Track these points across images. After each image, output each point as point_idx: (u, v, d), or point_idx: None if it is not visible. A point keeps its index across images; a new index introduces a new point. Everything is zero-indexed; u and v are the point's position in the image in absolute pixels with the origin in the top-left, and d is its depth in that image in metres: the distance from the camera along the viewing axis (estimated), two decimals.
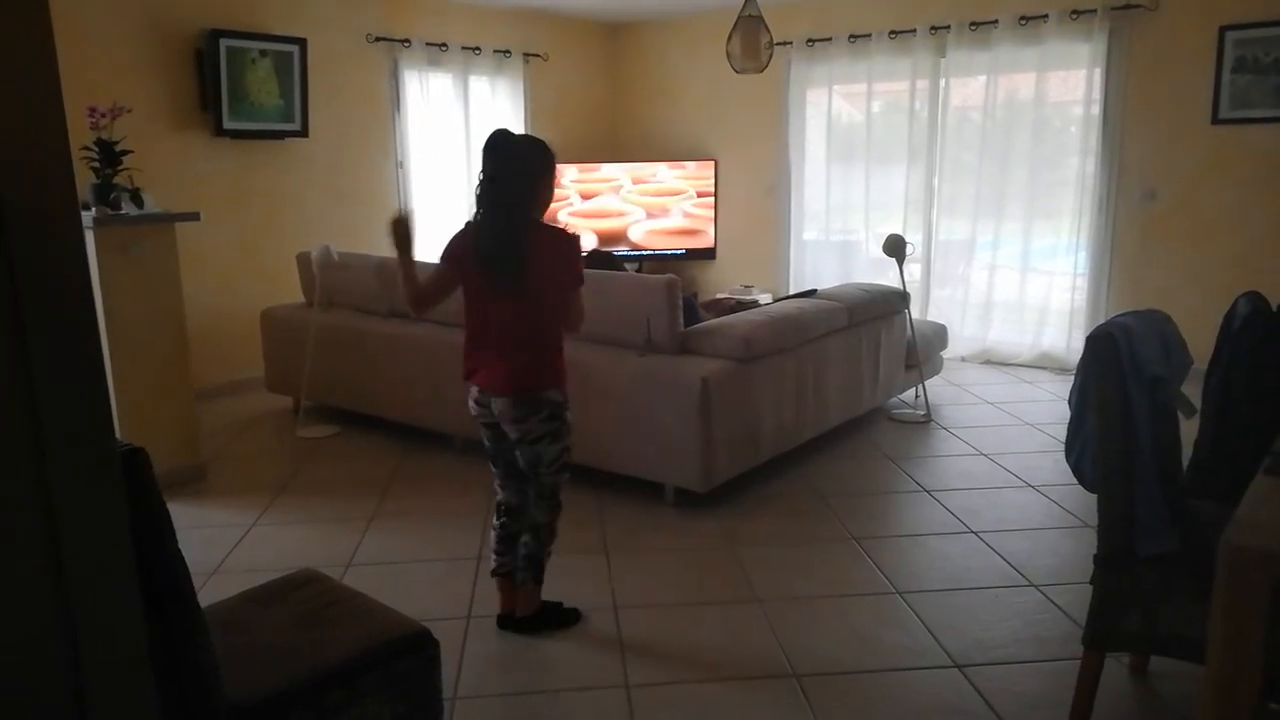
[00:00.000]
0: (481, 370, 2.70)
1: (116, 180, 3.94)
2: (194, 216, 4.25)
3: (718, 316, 4.39)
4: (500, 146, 2.60)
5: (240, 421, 5.29)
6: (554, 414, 2.69)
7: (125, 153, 3.96)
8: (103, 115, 3.92)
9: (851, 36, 6.81)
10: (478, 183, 2.63)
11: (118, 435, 2.45)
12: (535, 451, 2.70)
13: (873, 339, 4.79)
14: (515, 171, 2.58)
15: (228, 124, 5.51)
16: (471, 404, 2.77)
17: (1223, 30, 5.45)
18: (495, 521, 2.92)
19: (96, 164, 3.89)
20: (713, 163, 7.68)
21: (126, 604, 1.11)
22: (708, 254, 7.81)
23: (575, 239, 2.73)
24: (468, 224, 2.72)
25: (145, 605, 1.48)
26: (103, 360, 1.03)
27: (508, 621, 2.90)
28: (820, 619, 2.96)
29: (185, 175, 5.41)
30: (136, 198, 3.96)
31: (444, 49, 6.77)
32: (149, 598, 1.49)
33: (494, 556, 2.91)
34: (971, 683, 2.57)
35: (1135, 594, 2.22)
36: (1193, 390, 2.37)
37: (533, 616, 2.86)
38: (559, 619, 2.90)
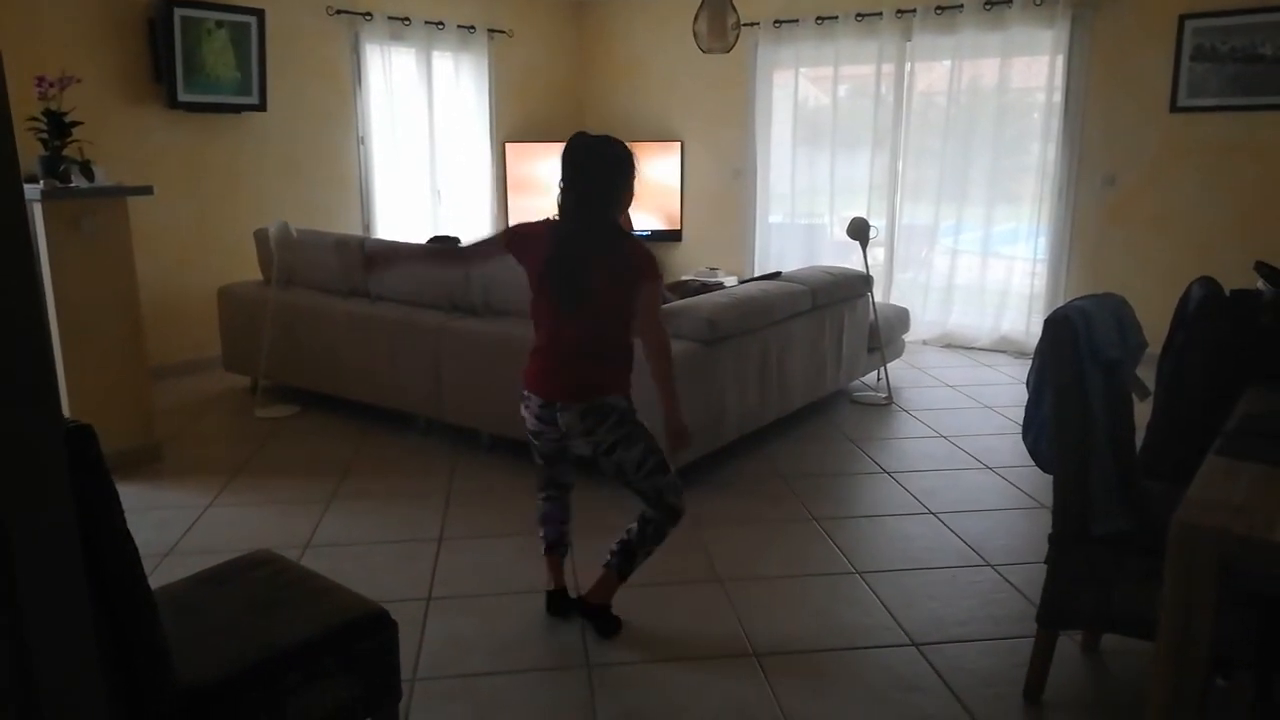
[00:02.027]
0: (544, 378, 2.60)
1: (66, 152, 3.82)
2: (147, 190, 4.15)
3: (683, 298, 4.39)
4: (579, 154, 2.52)
5: (197, 401, 5.19)
6: (621, 419, 2.56)
7: (75, 124, 3.84)
8: (51, 85, 3.80)
9: (818, 18, 6.80)
10: (559, 191, 2.55)
11: (67, 414, 2.39)
12: (614, 462, 2.58)
13: (836, 322, 4.82)
14: (595, 181, 2.51)
15: (182, 96, 5.38)
16: (531, 419, 2.65)
17: (1182, 19, 5.53)
18: (551, 493, 2.81)
19: (44, 135, 3.77)
20: (679, 144, 7.65)
21: (72, 585, 1.08)
22: (674, 236, 7.80)
23: (646, 249, 2.59)
24: (548, 222, 2.61)
25: (93, 587, 1.45)
26: (49, 336, 1.00)
27: (559, 601, 2.81)
28: (780, 599, 2.98)
29: (138, 148, 5.28)
30: (87, 170, 3.85)
31: (407, 23, 6.66)
32: (97, 579, 1.46)
33: (549, 527, 2.81)
34: (928, 660, 2.61)
35: (1089, 573, 2.26)
36: (1146, 373, 2.41)
37: (601, 608, 2.72)
38: (611, 625, 2.75)
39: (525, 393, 2.65)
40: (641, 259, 2.54)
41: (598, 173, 2.52)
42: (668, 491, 2.63)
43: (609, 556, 2.71)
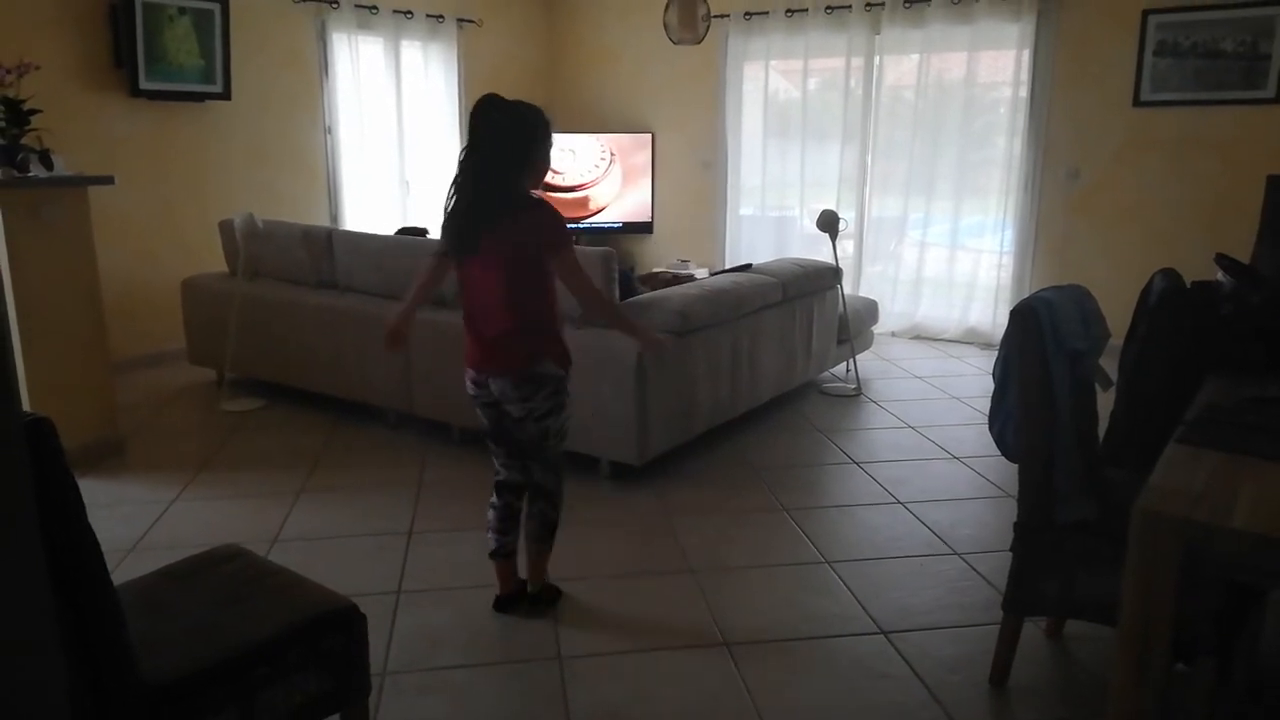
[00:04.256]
0: (476, 350, 2.61)
1: (24, 141, 3.74)
2: (108, 180, 4.07)
3: (654, 290, 4.38)
4: (482, 113, 2.46)
5: (161, 395, 5.12)
6: (557, 389, 2.60)
7: (33, 112, 3.76)
8: (8, 72, 3.72)
9: (788, 11, 6.82)
10: (461, 154, 2.50)
11: (26, 408, 2.35)
12: (542, 427, 2.62)
13: (806, 313, 4.84)
14: (498, 140, 2.45)
15: (144, 84, 5.28)
16: (469, 384, 2.68)
17: (1145, 14, 5.61)
18: (497, 501, 2.81)
19: (2, 124, 3.69)
20: (650, 136, 7.64)
21: (33, 581, 1.06)
22: (645, 228, 7.79)
23: (552, 207, 2.59)
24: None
25: (54, 583, 1.43)
26: (7, 328, 0.98)
27: (507, 604, 2.83)
28: (751, 588, 2.99)
29: (99, 137, 5.18)
30: (46, 159, 3.77)
31: (374, 12, 6.58)
32: (58, 575, 1.44)
33: (494, 537, 2.80)
34: (896, 648, 2.63)
35: (1053, 560, 2.30)
36: (1109, 363, 2.45)
37: (548, 587, 2.87)
38: (553, 594, 2.90)
39: (466, 367, 2.68)
40: (549, 227, 2.50)
41: (502, 133, 2.46)
42: (562, 457, 2.77)
43: (538, 548, 2.80)
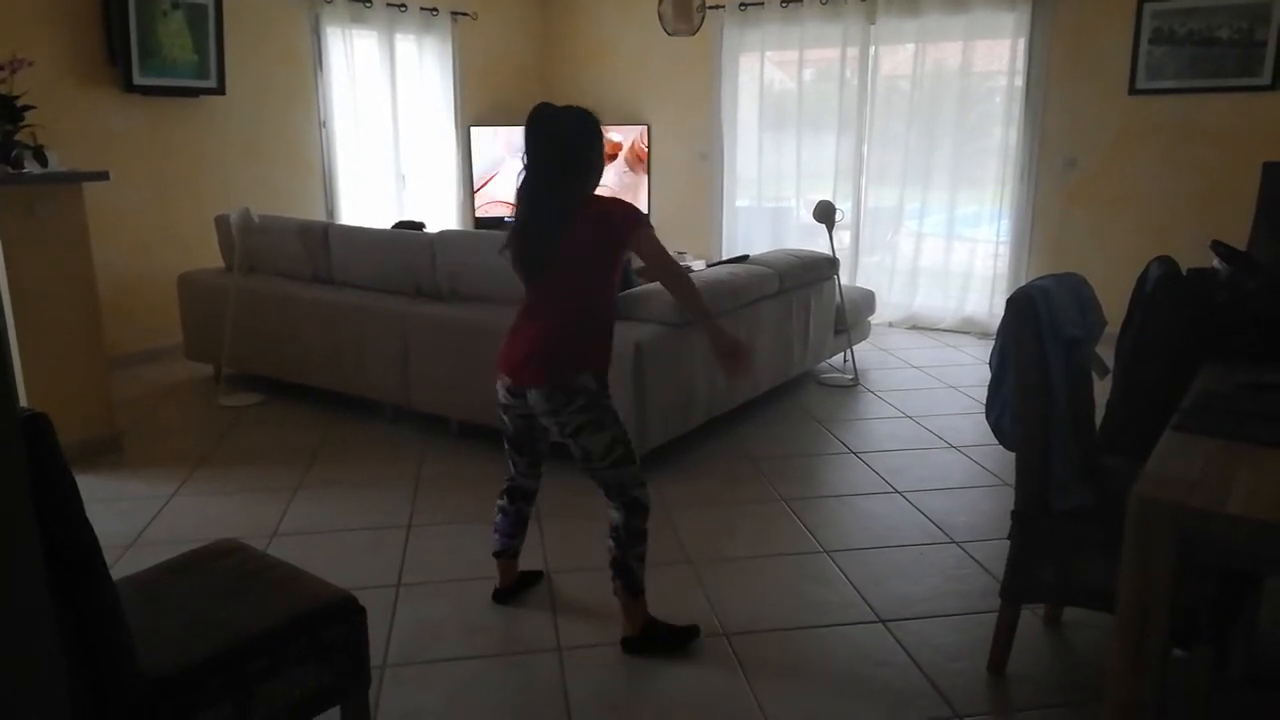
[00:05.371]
0: (509, 360, 2.56)
1: (18, 137, 3.73)
2: (103, 176, 4.06)
3: (651, 282, 4.38)
4: (534, 125, 2.43)
5: (158, 390, 5.11)
6: (590, 402, 2.46)
7: (27, 108, 3.75)
8: (2, 69, 3.70)
9: (784, 2, 6.80)
10: (522, 165, 2.47)
11: (23, 405, 2.34)
12: (580, 445, 2.49)
13: (803, 304, 4.84)
14: (553, 150, 2.42)
15: (138, 79, 5.26)
16: (502, 392, 2.60)
17: (1140, 1, 5.60)
18: (507, 505, 2.78)
19: None
20: (646, 127, 7.63)
21: (30, 577, 1.06)
22: None
23: (616, 197, 2.58)
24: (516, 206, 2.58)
25: (53, 579, 1.43)
26: (3, 324, 0.97)
27: (505, 595, 2.83)
28: (750, 579, 3.00)
29: (93, 133, 5.17)
30: (40, 155, 3.76)
31: (368, 5, 6.56)
32: (57, 571, 1.44)
33: (500, 539, 2.79)
34: (895, 637, 2.64)
35: (1050, 548, 2.30)
36: (1105, 351, 2.45)
37: (640, 636, 2.57)
38: (674, 639, 2.60)
39: (499, 373, 2.62)
40: (623, 211, 2.47)
41: (556, 143, 2.43)
42: (630, 484, 2.53)
43: (613, 586, 2.60)
